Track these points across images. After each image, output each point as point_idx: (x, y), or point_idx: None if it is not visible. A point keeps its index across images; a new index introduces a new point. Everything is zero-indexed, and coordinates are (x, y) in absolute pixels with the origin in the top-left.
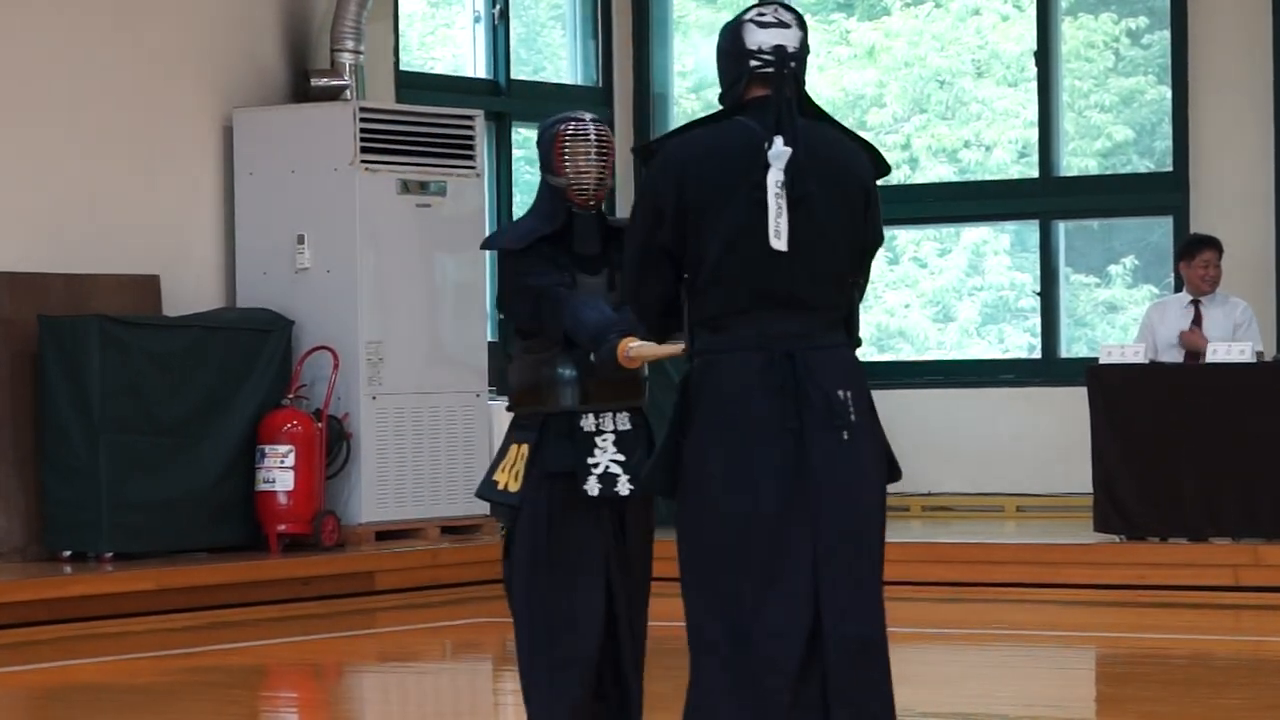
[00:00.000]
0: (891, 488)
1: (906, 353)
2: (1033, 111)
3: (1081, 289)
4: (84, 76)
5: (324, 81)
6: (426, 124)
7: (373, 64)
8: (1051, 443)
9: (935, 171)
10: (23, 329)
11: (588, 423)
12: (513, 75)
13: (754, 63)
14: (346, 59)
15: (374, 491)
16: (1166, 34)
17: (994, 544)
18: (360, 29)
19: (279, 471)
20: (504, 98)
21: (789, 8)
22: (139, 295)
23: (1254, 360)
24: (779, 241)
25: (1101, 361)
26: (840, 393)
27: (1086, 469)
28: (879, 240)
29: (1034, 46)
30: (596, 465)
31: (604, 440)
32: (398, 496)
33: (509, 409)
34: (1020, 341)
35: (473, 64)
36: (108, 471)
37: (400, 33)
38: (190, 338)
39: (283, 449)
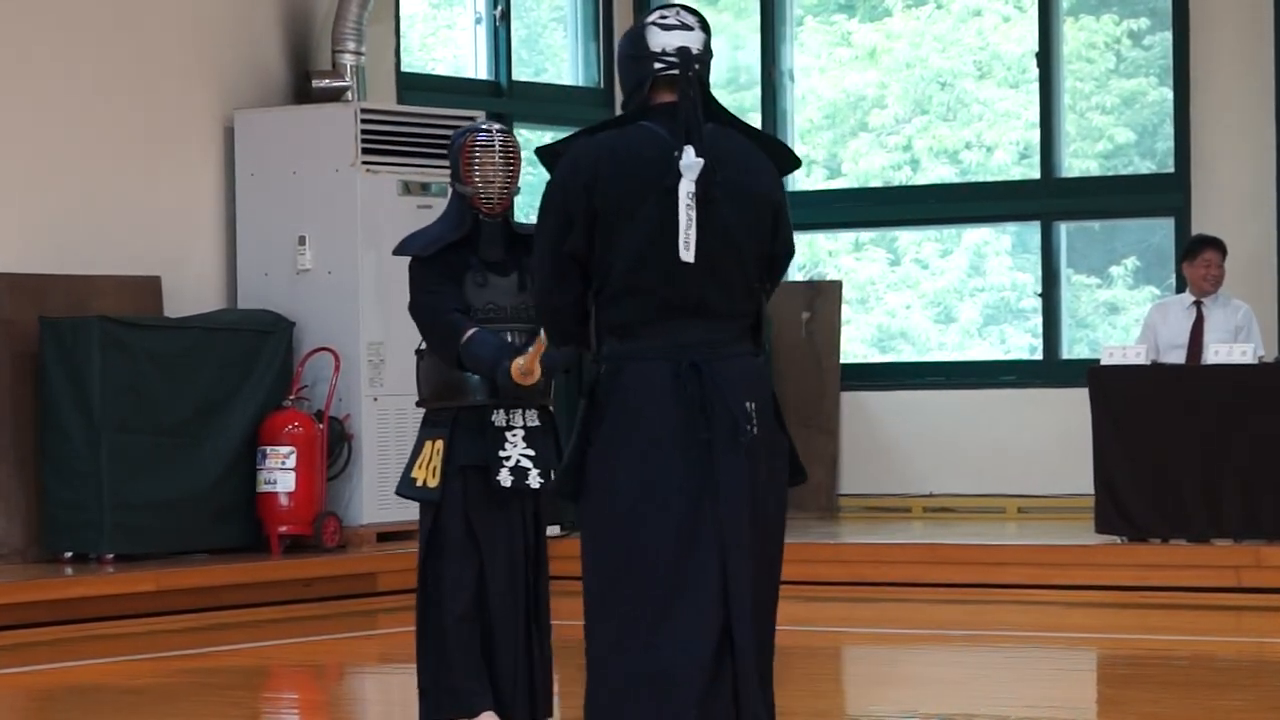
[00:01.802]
0: (894, 488)
1: (908, 354)
2: (1034, 113)
3: (1083, 290)
4: (85, 77)
5: (325, 82)
6: (428, 125)
7: (374, 65)
8: (1053, 444)
9: (936, 172)
10: (24, 330)
11: (498, 418)
12: (514, 76)
13: (658, 65)
14: (348, 60)
15: (375, 493)
16: (1168, 35)
17: (995, 545)
18: (361, 30)
19: (280, 473)
20: (505, 99)
21: (692, 10)
22: (140, 296)
23: (1255, 362)
24: (688, 253)
25: (1103, 363)
26: (746, 405)
27: (1088, 470)
28: (790, 253)
29: (1035, 48)
30: (508, 459)
31: (514, 435)
32: (399, 498)
33: (419, 405)
34: (1021, 342)
35: (474, 65)
36: (109, 472)
37: (401, 34)
38: (191, 339)
39: (284, 450)
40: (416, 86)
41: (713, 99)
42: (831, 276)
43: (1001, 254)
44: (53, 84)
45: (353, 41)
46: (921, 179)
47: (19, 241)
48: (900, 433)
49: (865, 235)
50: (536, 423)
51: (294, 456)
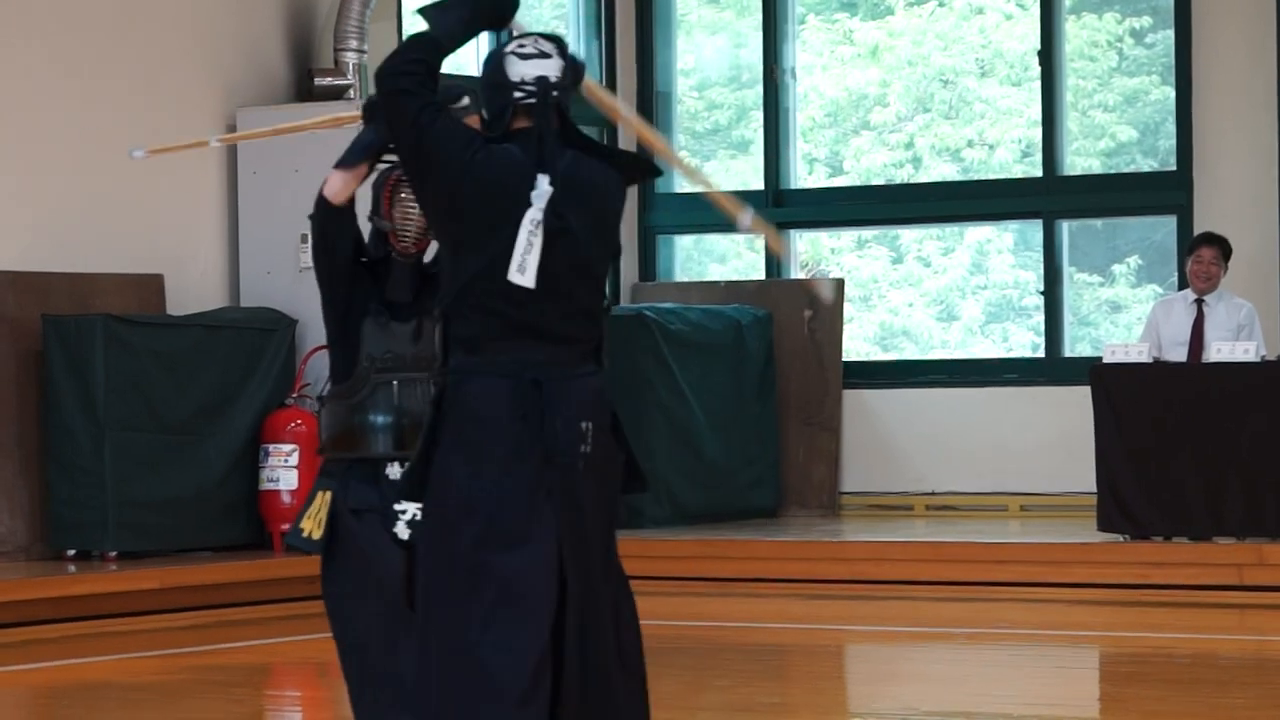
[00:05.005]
0: (896, 486)
1: (910, 352)
2: (1036, 111)
3: (1085, 288)
4: (88, 76)
5: (327, 81)
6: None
7: (376, 63)
8: (1055, 442)
9: (939, 170)
10: (27, 328)
11: (393, 471)
12: None
13: (518, 94)
14: (350, 58)
15: None
16: (1170, 33)
17: (998, 543)
18: (364, 28)
19: (283, 470)
20: None
21: (551, 37)
22: (143, 294)
23: (1258, 360)
24: (521, 277)
25: (1105, 360)
26: (582, 424)
27: (1090, 468)
28: (618, 252)
29: (1038, 46)
30: (404, 512)
31: None
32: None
33: (319, 453)
34: (1024, 340)
35: (476, 63)
36: (112, 470)
37: (404, 32)
38: (194, 337)
39: (286, 448)
40: None
41: (571, 125)
42: (834, 274)
43: (1004, 252)
44: (55, 83)
45: (355, 39)
46: (924, 177)
47: (22, 239)
48: (902, 431)
49: (867, 233)
50: None
51: (297, 454)
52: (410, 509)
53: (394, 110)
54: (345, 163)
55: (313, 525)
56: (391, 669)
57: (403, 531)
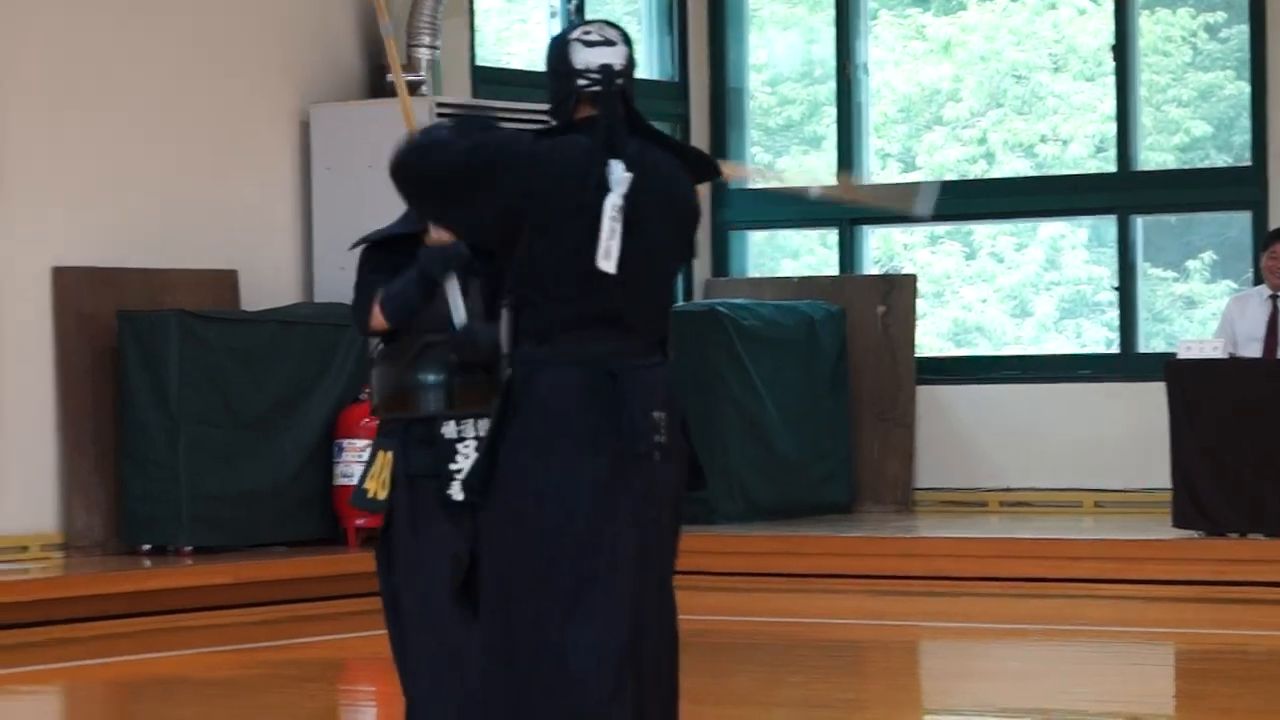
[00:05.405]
0: (971, 482)
1: (984, 347)
2: (1110, 106)
3: (1159, 284)
4: (162, 73)
5: None
6: (503, 119)
7: (449, 59)
8: (1130, 438)
9: (1012, 166)
10: (102, 324)
11: (449, 429)
12: None
13: (581, 82)
14: (423, 54)
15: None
16: (1245, 28)
17: (1072, 539)
18: (436, 24)
19: (357, 465)
20: None
21: (614, 25)
22: (217, 290)
23: None
24: (607, 263)
25: (1180, 356)
26: (656, 414)
27: (1165, 464)
28: (693, 256)
29: (1111, 40)
30: (459, 471)
31: (465, 447)
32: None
33: (372, 414)
34: (1098, 336)
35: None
36: (187, 465)
37: (476, 28)
38: (268, 332)
39: (360, 443)
40: (491, 80)
41: (636, 113)
42: (907, 270)
43: (1077, 247)
44: (129, 80)
45: (428, 35)
46: (997, 172)
47: (97, 236)
48: (976, 427)
49: (940, 229)
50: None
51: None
52: (465, 469)
53: (438, 150)
54: (391, 315)
55: (376, 485)
56: (439, 637)
57: (457, 493)
